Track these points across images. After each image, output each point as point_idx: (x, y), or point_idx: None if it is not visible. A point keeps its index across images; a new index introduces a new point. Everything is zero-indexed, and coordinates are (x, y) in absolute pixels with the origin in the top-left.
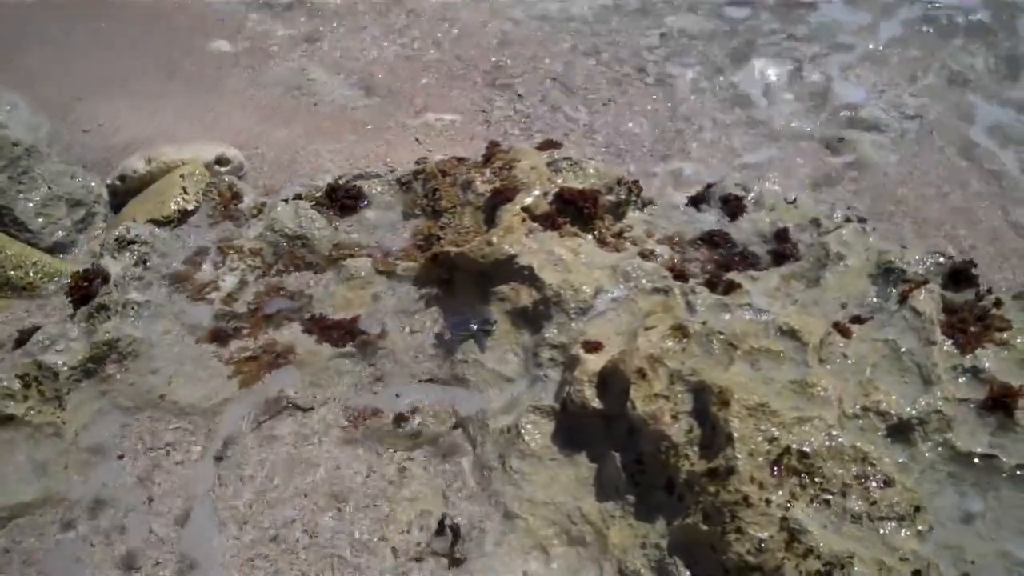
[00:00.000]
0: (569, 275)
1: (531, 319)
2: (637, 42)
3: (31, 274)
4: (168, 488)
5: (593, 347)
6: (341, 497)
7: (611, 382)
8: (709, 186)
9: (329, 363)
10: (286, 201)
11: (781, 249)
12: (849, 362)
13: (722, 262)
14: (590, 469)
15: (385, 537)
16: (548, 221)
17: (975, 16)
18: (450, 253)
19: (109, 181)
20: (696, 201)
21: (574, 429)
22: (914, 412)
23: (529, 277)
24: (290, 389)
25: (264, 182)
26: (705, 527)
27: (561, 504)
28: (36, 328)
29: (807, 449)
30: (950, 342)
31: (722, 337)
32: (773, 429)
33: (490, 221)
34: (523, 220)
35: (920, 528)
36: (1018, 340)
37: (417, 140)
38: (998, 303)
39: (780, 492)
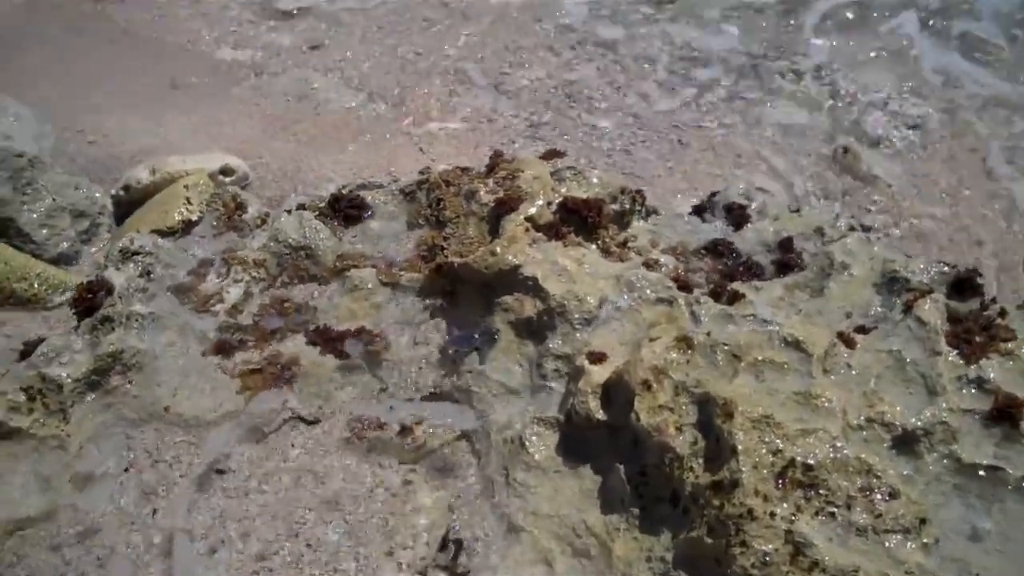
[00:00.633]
0: (573, 285)
1: (535, 330)
2: (644, 51)
3: (35, 286)
4: (172, 501)
5: (597, 358)
6: (345, 510)
7: (615, 393)
8: (713, 195)
9: (333, 375)
10: (290, 212)
11: (785, 259)
12: (853, 373)
13: (726, 272)
14: (594, 481)
15: (389, 551)
16: (552, 231)
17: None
18: (454, 264)
19: (113, 192)
20: (700, 210)
21: (578, 441)
22: (919, 423)
23: (533, 287)
24: (294, 401)
25: (268, 192)
26: (710, 540)
27: (565, 516)
28: (40, 340)
29: (811, 461)
30: (955, 352)
31: (726, 348)
32: (777, 441)
33: (494, 231)
34: (527, 230)
35: (926, 541)
36: (1023, 351)
37: (421, 150)
38: (1003, 313)
39: (785, 505)
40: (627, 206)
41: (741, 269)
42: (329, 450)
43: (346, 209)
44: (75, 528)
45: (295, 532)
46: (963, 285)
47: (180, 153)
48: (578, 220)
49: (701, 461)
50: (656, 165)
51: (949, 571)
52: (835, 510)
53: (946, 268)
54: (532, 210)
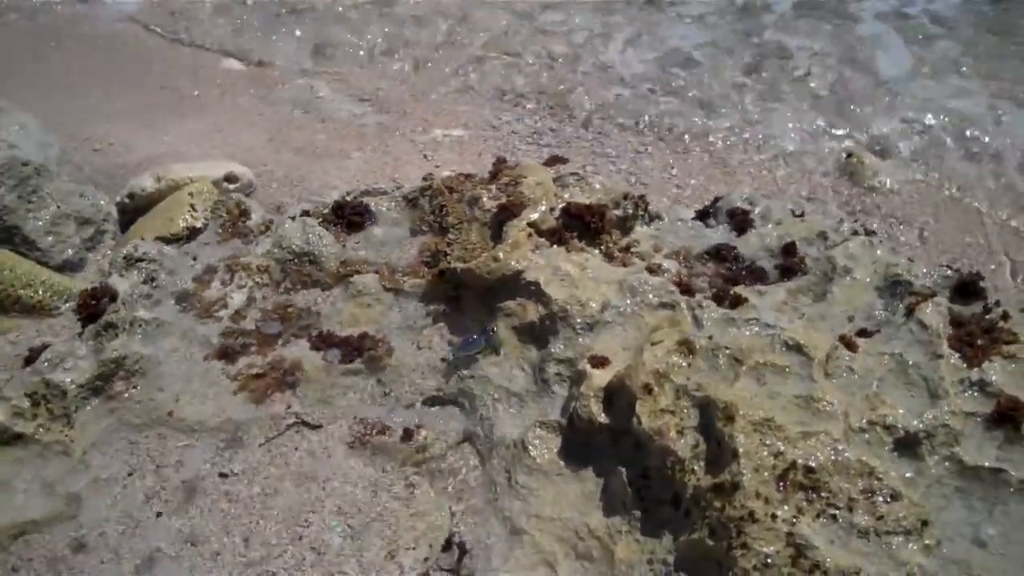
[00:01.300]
0: (576, 290)
1: (538, 334)
2: (648, 57)
3: (40, 292)
4: (176, 505)
5: (599, 362)
6: (348, 514)
7: (617, 397)
8: (716, 200)
9: (336, 380)
10: (294, 218)
11: (788, 263)
12: (855, 376)
13: (729, 276)
14: (596, 484)
15: (392, 554)
16: (555, 236)
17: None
18: (457, 269)
19: (118, 199)
20: (703, 215)
21: (581, 444)
22: (921, 426)
23: (536, 292)
24: (298, 406)
25: (272, 199)
26: (711, 542)
27: (568, 519)
28: (45, 346)
29: (813, 464)
30: (957, 355)
31: (728, 352)
32: (779, 444)
33: (497, 237)
34: (530, 236)
35: (927, 543)
36: None
37: (425, 156)
38: (1006, 316)
39: (786, 507)
40: (630, 211)
41: (744, 273)
42: (332, 454)
43: (349, 216)
44: (79, 532)
45: (298, 535)
46: (966, 288)
47: (185, 161)
48: (581, 225)
49: (702, 464)
50: (659, 170)
51: (951, 573)
52: (836, 512)
53: (949, 272)
54: (535, 216)
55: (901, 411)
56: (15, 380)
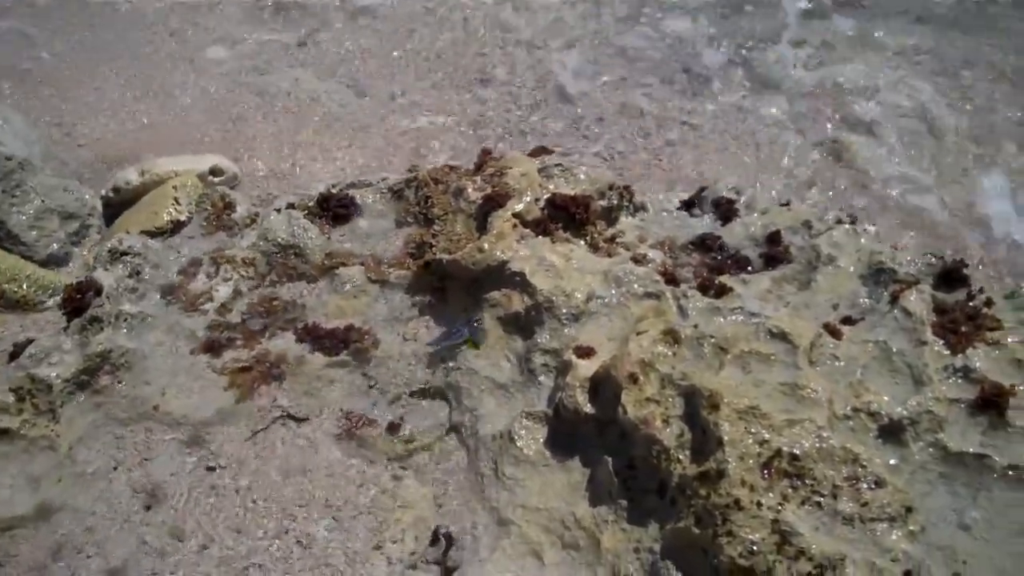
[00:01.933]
0: (561, 281)
1: (523, 325)
2: (629, 42)
3: (25, 287)
4: (162, 499)
5: (585, 352)
6: (335, 506)
7: (603, 387)
8: (702, 190)
9: (322, 372)
10: (279, 211)
11: (773, 252)
12: (840, 363)
13: (714, 266)
14: (583, 474)
15: (379, 546)
16: (540, 227)
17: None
18: (442, 260)
19: (103, 193)
20: (688, 205)
21: (567, 434)
22: (905, 413)
23: (521, 283)
24: (284, 399)
25: (258, 192)
26: (697, 530)
27: (554, 509)
28: (30, 341)
29: (798, 451)
30: (941, 342)
31: (713, 341)
32: (763, 432)
33: (482, 228)
34: (515, 226)
35: (912, 528)
36: (1009, 340)
37: (410, 148)
38: (989, 303)
39: (771, 494)
40: (615, 202)
41: (729, 263)
42: (318, 447)
43: (335, 208)
44: (66, 526)
45: (285, 529)
46: (950, 276)
47: (169, 154)
48: (566, 216)
49: (688, 453)
50: (644, 159)
51: (935, 558)
52: (821, 499)
53: (933, 259)
54: (520, 206)
55: (885, 398)
56: (0, 375)
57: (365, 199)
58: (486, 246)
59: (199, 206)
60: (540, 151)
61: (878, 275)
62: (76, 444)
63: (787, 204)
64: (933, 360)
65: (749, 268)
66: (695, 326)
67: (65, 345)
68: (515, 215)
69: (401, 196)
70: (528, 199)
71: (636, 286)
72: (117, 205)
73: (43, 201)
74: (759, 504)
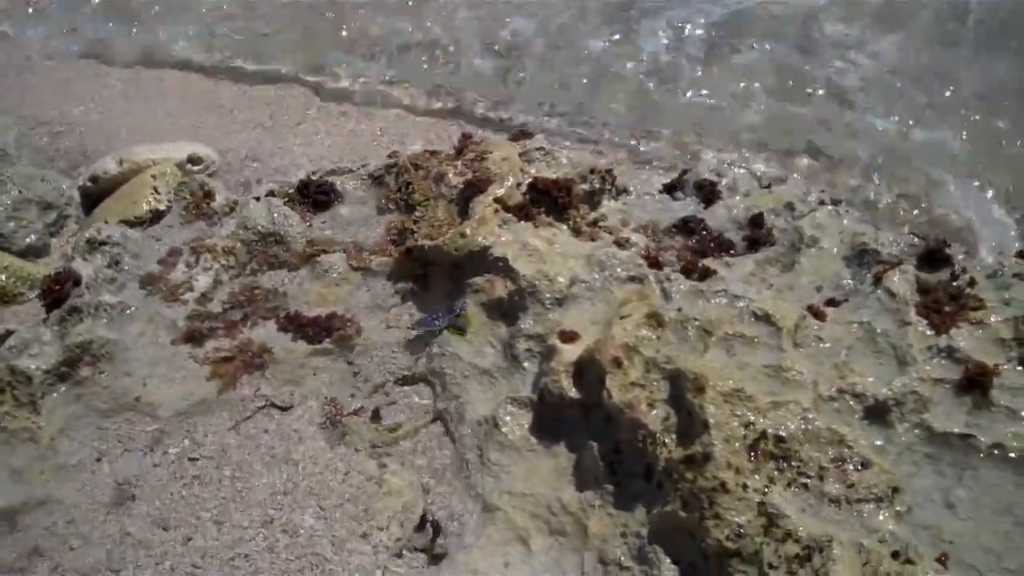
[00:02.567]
0: (544, 265)
1: (506, 310)
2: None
3: (3, 278)
4: (146, 490)
5: (569, 337)
6: (321, 495)
7: (588, 372)
8: (684, 172)
9: (305, 361)
10: (258, 199)
11: (756, 234)
12: (824, 345)
13: (697, 249)
14: (569, 459)
15: (365, 533)
16: (522, 212)
17: None
18: (424, 246)
19: (81, 183)
20: (671, 188)
21: (552, 420)
22: (890, 393)
23: (503, 268)
24: (267, 388)
25: (237, 179)
26: (684, 514)
27: (541, 495)
28: (9, 333)
29: (783, 433)
30: (925, 323)
31: (697, 324)
32: (749, 414)
33: (464, 213)
34: (496, 211)
35: (898, 509)
36: (992, 319)
37: (391, 134)
38: (972, 282)
39: (757, 477)
40: (597, 186)
41: (712, 245)
42: (302, 436)
43: (315, 195)
44: (49, 518)
45: (270, 518)
46: (933, 256)
47: (148, 142)
48: (548, 200)
49: (674, 436)
50: (626, 137)
51: (922, 538)
52: (808, 481)
53: (916, 240)
54: (501, 191)
55: (870, 379)
56: None
57: (345, 186)
58: (468, 231)
59: (178, 195)
60: (521, 135)
61: (861, 256)
62: (58, 436)
63: (768, 186)
64: (917, 340)
65: (732, 251)
66: (679, 309)
67: (45, 336)
68: (497, 200)
69: (382, 182)
70: (510, 184)
71: (619, 270)
72: (95, 195)
73: (20, 192)
74: (745, 487)
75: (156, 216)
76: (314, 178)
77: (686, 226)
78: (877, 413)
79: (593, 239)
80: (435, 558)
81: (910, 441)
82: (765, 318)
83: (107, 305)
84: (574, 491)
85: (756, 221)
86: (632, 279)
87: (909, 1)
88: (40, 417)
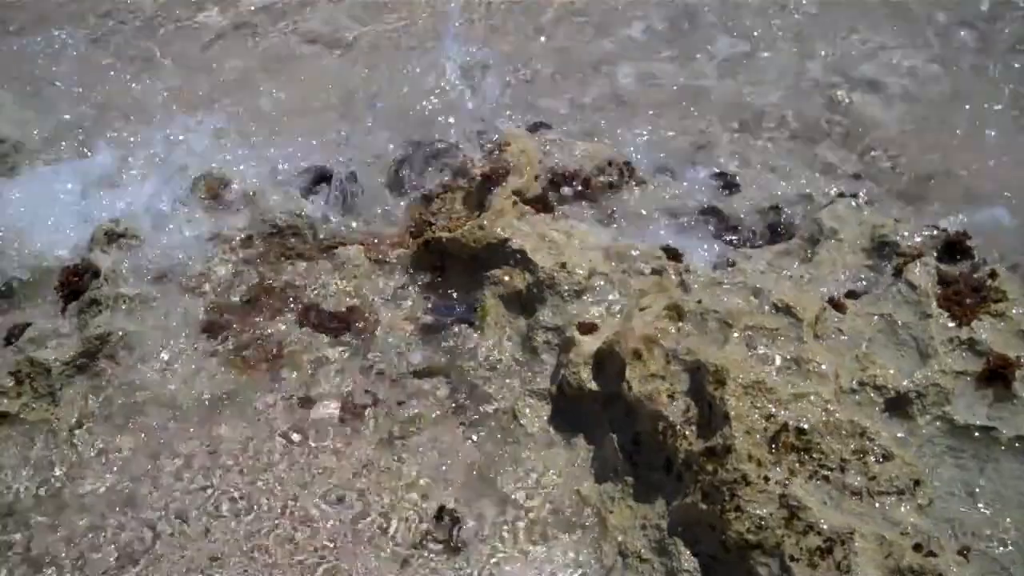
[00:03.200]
0: (562, 257)
1: (525, 303)
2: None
3: None
4: (164, 483)
5: (588, 329)
6: (338, 487)
7: (607, 363)
8: (702, 162)
9: (323, 353)
10: (275, 189)
11: (775, 225)
12: (845, 337)
13: (716, 240)
14: (588, 451)
15: (383, 526)
16: (540, 204)
17: None
18: (442, 239)
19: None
20: (688, 178)
21: (571, 412)
22: (911, 386)
23: (522, 260)
24: (284, 380)
25: (255, 169)
26: (704, 506)
27: (560, 487)
28: (27, 324)
29: (804, 425)
30: (946, 315)
31: (717, 315)
32: (770, 406)
33: (481, 206)
34: (515, 203)
35: (920, 502)
36: (1014, 311)
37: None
38: (993, 274)
39: (778, 469)
40: (615, 177)
41: (732, 236)
42: (320, 428)
43: (334, 186)
44: (66, 511)
45: (287, 510)
46: (953, 247)
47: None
48: (566, 192)
49: (694, 428)
50: (643, 129)
51: (944, 531)
52: (829, 473)
53: (936, 231)
54: (519, 183)
55: (891, 371)
56: None
57: (363, 176)
58: (486, 223)
59: (195, 185)
60: (538, 127)
61: (881, 248)
62: (76, 427)
63: (788, 177)
64: (938, 332)
65: (752, 242)
66: (699, 301)
67: (63, 328)
68: (515, 192)
69: (399, 173)
70: (528, 175)
71: (638, 261)
72: None
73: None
74: (766, 479)
75: (174, 206)
76: (331, 169)
77: (705, 217)
78: (898, 405)
79: (612, 231)
80: (453, 550)
81: (931, 433)
82: (786, 310)
83: (126, 297)
84: (593, 483)
85: (775, 211)
86: (651, 271)
87: None
88: (59, 408)
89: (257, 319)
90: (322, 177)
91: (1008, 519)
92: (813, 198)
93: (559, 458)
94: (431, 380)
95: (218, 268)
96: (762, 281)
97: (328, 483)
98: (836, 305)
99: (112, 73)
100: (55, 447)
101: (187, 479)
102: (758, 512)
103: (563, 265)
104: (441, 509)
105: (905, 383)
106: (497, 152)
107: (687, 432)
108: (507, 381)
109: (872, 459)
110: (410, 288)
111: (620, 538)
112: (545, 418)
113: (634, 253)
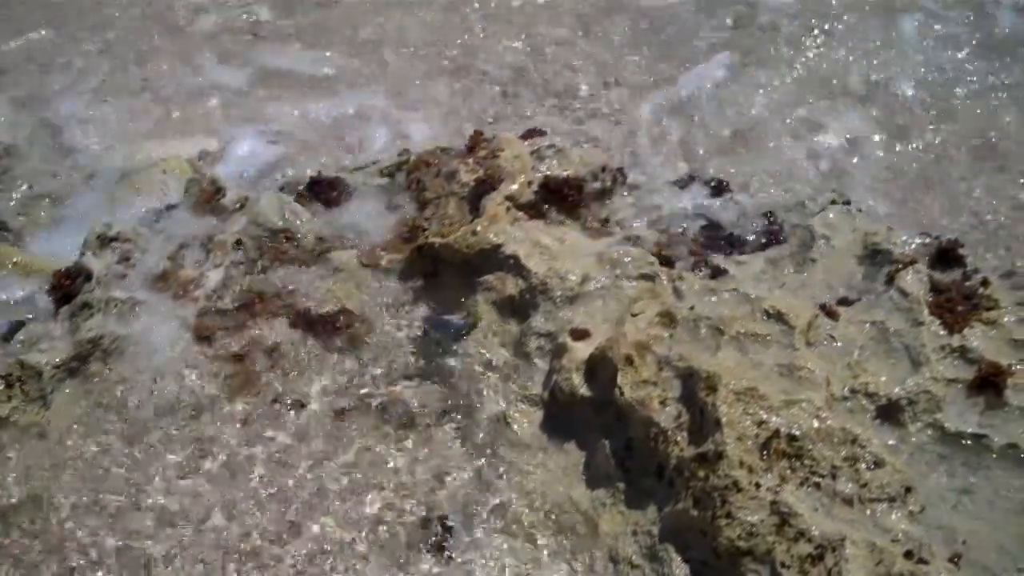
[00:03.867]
0: (555, 263)
1: (517, 308)
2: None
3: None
4: (157, 487)
5: (580, 335)
6: (331, 490)
7: (599, 369)
8: (695, 170)
9: (316, 357)
10: (269, 194)
11: (767, 232)
12: (837, 344)
13: (709, 247)
14: (579, 457)
15: (375, 531)
16: (533, 210)
17: None
18: (435, 244)
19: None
20: (682, 185)
21: (563, 417)
22: (903, 393)
23: (515, 266)
24: (278, 384)
25: (247, 174)
26: (696, 512)
27: (551, 492)
28: (20, 324)
29: (796, 432)
30: (938, 322)
31: (709, 322)
32: (761, 413)
33: (475, 211)
34: (508, 209)
35: (911, 509)
36: (1006, 319)
37: (401, 130)
38: (985, 283)
39: (770, 476)
40: (608, 183)
41: (723, 243)
42: (313, 433)
43: (326, 191)
44: (58, 515)
45: (281, 513)
46: (946, 255)
47: (158, 137)
48: (559, 198)
49: (686, 434)
50: (637, 137)
51: (935, 538)
52: (820, 480)
53: (928, 239)
54: (512, 189)
55: (883, 379)
56: None
57: (356, 182)
58: (479, 229)
59: (188, 190)
60: (532, 133)
61: (874, 255)
62: (67, 431)
63: (779, 184)
64: (930, 340)
65: (744, 249)
66: (691, 307)
67: (55, 331)
68: (508, 198)
69: (393, 179)
70: (521, 181)
71: (631, 267)
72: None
73: (30, 187)
74: (758, 485)
75: (166, 211)
76: (325, 174)
77: (698, 224)
78: (890, 412)
79: (604, 237)
80: (444, 555)
81: (923, 441)
82: (778, 316)
83: (118, 300)
84: (585, 489)
85: (767, 218)
86: (643, 277)
87: None
88: (50, 412)
89: (249, 323)
90: (316, 182)
91: (1000, 526)
92: (805, 205)
93: (551, 463)
94: (423, 385)
95: (210, 272)
96: (754, 288)
97: (319, 487)
98: (828, 312)
99: None
100: (46, 451)
101: (179, 485)
102: (749, 519)
103: (556, 271)
104: (432, 515)
105: (897, 390)
106: (491, 157)
107: (679, 438)
108: (499, 386)
109: (863, 466)
110: (403, 293)
111: (611, 544)
112: (537, 424)
113: (627, 259)
